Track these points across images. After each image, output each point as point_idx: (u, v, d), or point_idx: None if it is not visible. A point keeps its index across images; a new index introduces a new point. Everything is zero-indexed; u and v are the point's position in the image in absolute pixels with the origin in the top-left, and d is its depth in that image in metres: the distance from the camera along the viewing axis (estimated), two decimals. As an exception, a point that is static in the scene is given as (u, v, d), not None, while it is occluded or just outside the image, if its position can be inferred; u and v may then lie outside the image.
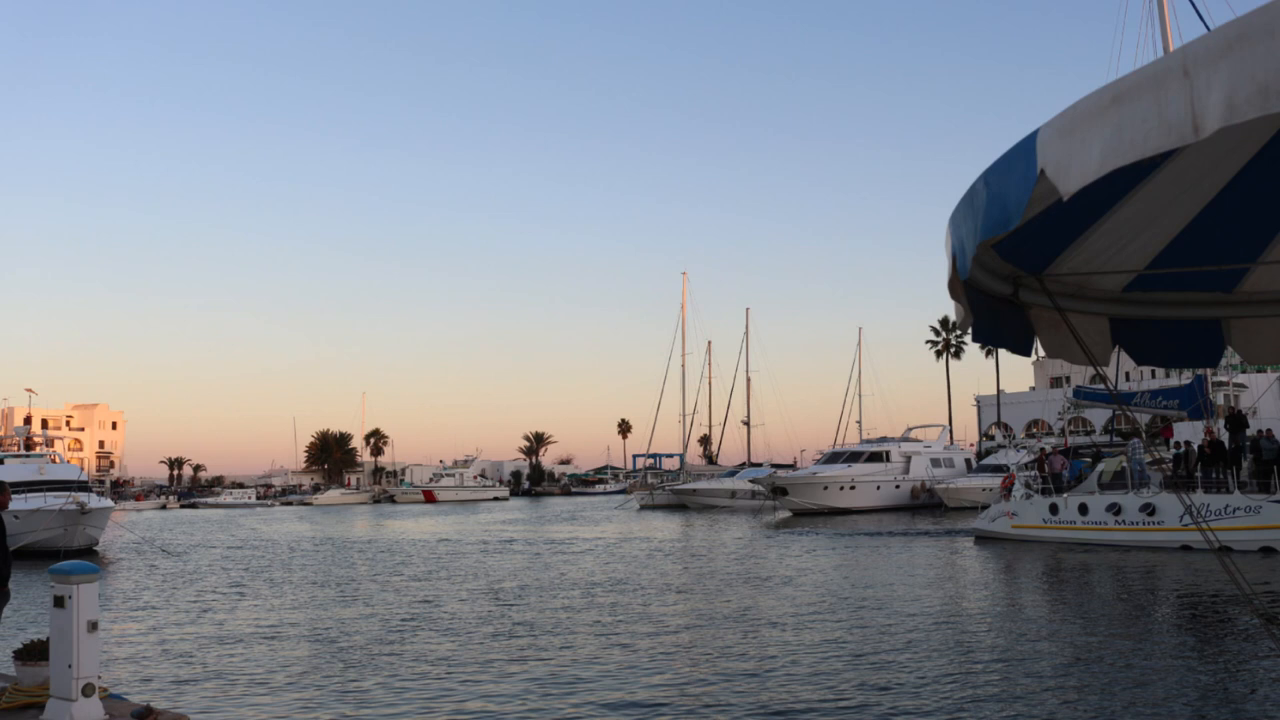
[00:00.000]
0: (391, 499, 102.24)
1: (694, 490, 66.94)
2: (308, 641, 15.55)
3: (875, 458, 54.82)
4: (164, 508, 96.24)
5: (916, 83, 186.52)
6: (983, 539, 32.13)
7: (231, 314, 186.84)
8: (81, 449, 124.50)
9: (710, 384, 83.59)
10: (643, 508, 67.18)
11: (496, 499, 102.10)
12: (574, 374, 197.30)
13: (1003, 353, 61.68)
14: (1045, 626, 16.08)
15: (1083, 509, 29.32)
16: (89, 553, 32.89)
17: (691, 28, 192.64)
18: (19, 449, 45.72)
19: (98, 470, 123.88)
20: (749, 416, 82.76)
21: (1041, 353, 4.16)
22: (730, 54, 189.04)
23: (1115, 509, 28.38)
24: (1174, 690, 11.19)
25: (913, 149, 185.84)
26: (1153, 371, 58.55)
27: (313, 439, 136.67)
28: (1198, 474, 28.02)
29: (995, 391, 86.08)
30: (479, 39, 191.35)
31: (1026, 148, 2.34)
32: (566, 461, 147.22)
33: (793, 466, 69.08)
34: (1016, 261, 3.57)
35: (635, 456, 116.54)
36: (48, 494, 34.27)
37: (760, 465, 70.77)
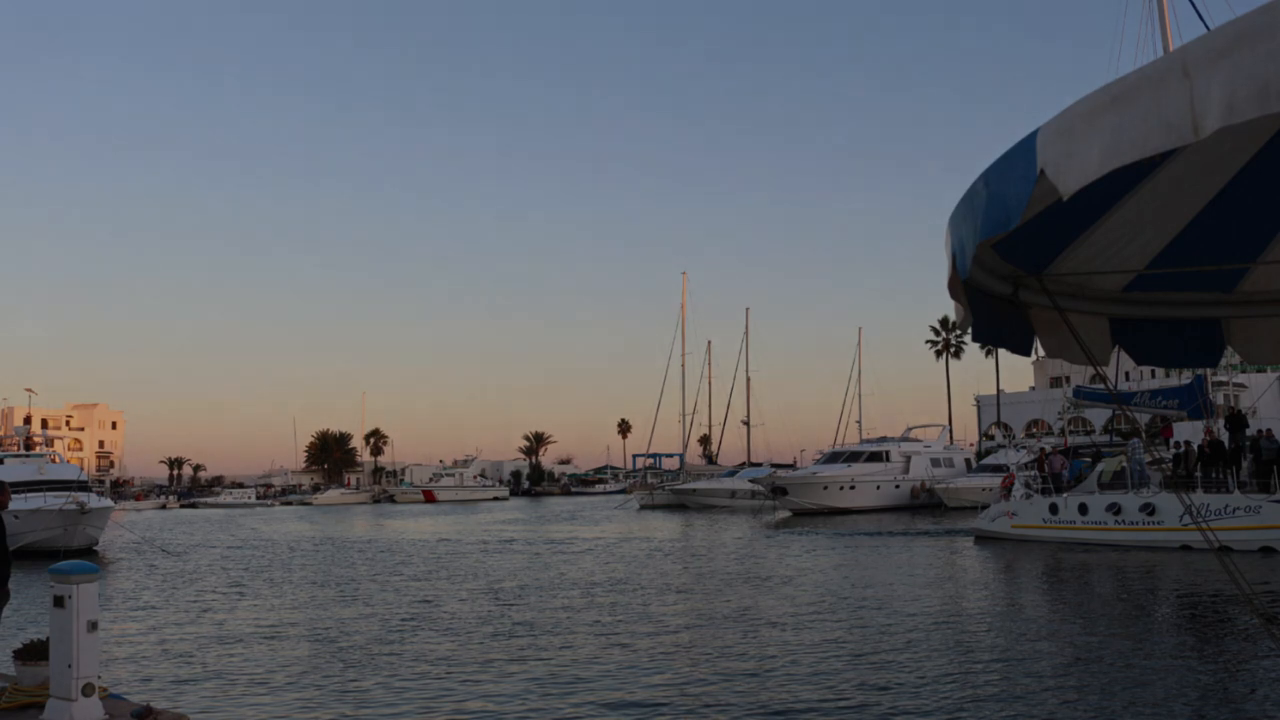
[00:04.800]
0: (391, 499, 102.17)
1: (694, 490, 66.90)
2: (308, 641, 15.55)
3: (875, 458, 54.78)
4: (164, 507, 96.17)
5: (916, 82, 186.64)
6: (983, 539, 32.13)
7: (231, 314, 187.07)
8: (81, 449, 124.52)
9: (710, 384, 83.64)
10: (643, 508, 67.14)
11: (496, 499, 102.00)
12: (574, 374, 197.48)
13: (1003, 353, 61.69)
14: (1045, 626, 16.08)
15: (1082, 509, 29.32)
16: (89, 553, 32.85)
17: (692, 27, 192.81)
18: (19, 449, 45.68)
19: (98, 470, 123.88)
20: (749, 416, 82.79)
21: (1041, 353, 4.16)
22: (730, 53, 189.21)
23: (1115, 509, 28.38)
24: (1174, 690, 11.19)
25: (913, 149, 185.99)
26: (1153, 371, 58.54)
27: (313, 439, 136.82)
28: (1197, 474, 28.02)
29: (995, 391, 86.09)
30: (480, 40, 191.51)
31: (1026, 148, 2.34)
32: (566, 461, 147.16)
33: (793, 466, 69.01)
34: (1016, 261, 3.57)
35: (635, 456, 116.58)
36: (48, 494, 34.23)
37: (760, 465, 70.68)
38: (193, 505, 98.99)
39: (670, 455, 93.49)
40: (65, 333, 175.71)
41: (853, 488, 52.45)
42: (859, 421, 77.19)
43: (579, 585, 22.52)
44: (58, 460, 43.89)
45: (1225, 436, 28.45)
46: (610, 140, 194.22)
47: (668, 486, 72.84)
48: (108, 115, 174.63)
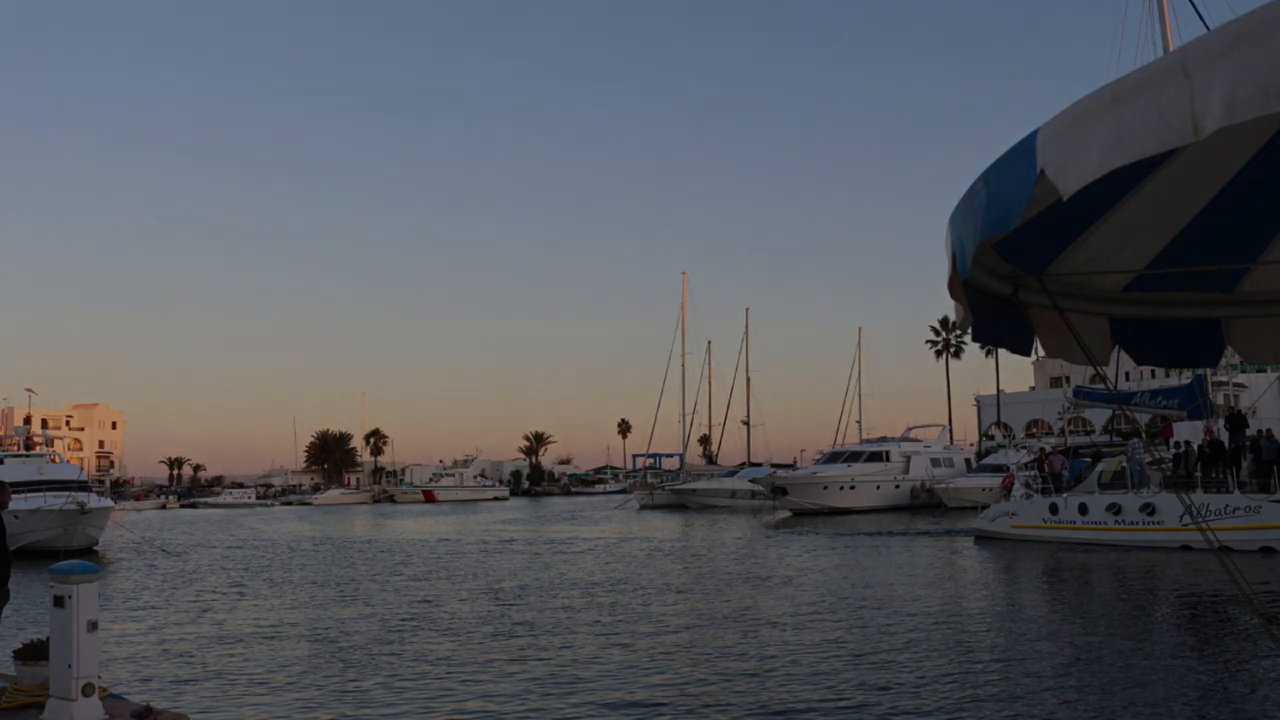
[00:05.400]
0: (391, 499, 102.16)
1: (694, 490, 66.87)
2: (308, 641, 15.55)
3: (875, 458, 54.78)
4: (164, 507, 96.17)
5: (916, 82, 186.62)
6: (983, 539, 32.12)
7: (231, 314, 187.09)
8: (81, 449, 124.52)
9: (710, 384, 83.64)
10: (643, 508, 67.13)
11: (496, 499, 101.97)
12: (574, 374, 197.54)
13: (1003, 353, 61.66)
14: (1045, 626, 16.08)
15: (1083, 509, 29.31)
16: (89, 553, 32.84)
17: (691, 27, 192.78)
18: (19, 449, 45.67)
19: (98, 470, 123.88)
20: (749, 416, 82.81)
21: (1041, 353, 4.16)
22: (730, 53, 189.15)
23: (1115, 509, 28.38)
24: (1174, 690, 11.19)
25: (913, 149, 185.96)
26: (1153, 371, 58.53)
27: (313, 439, 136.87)
28: (1197, 474, 28.02)
29: (995, 391, 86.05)
30: (480, 39, 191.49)
31: (1026, 148, 2.34)
32: (566, 461, 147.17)
33: (793, 466, 69.00)
34: (1016, 261, 3.57)
35: (635, 456, 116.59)
36: (48, 494, 34.21)
37: (760, 465, 70.66)
38: (193, 505, 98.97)
39: (670, 455, 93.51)
40: (65, 333, 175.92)
41: (853, 488, 52.43)
42: (859, 421, 77.25)
43: (579, 585, 22.52)
44: (58, 460, 43.88)
45: (1225, 436, 28.44)
46: (610, 140, 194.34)
47: (668, 486, 72.81)
48: (108, 114, 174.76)
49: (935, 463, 56.44)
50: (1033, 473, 33.70)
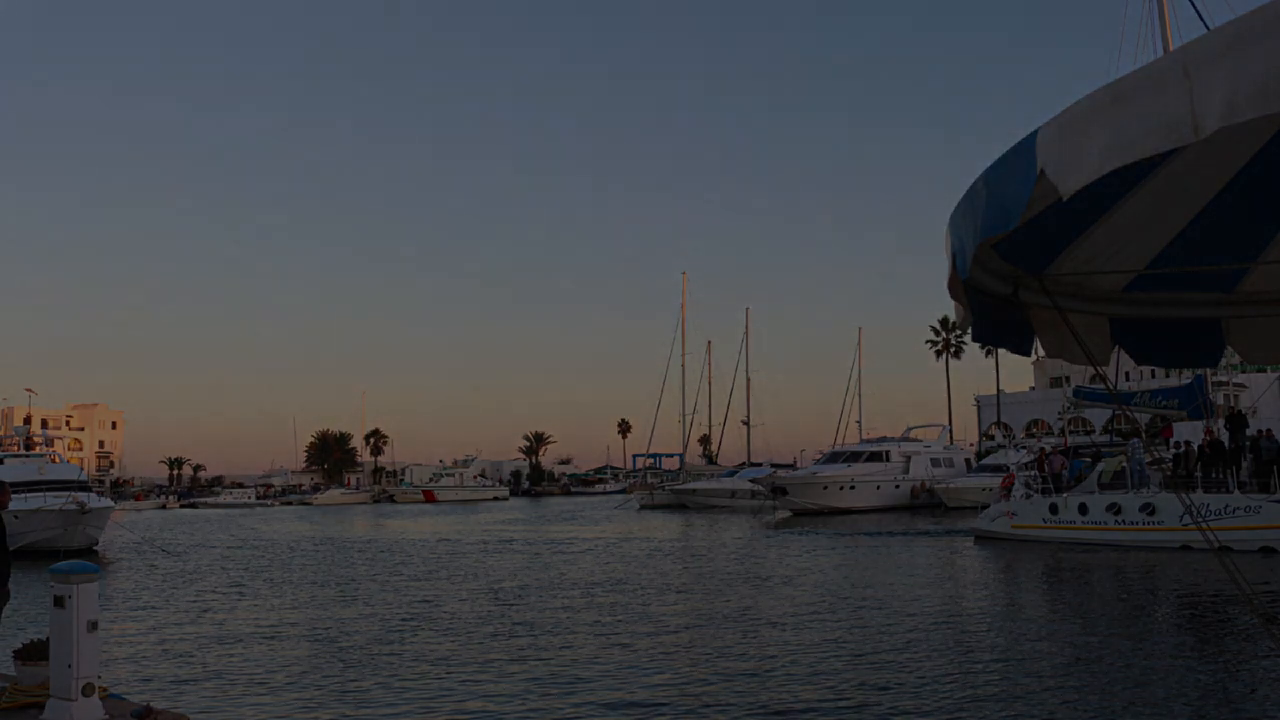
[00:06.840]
0: (391, 499, 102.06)
1: (694, 490, 66.84)
2: (308, 641, 15.55)
3: (875, 458, 54.77)
4: (164, 507, 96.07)
5: (916, 82, 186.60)
6: (982, 539, 32.12)
7: (231, 314, 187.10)
8: (81, 449, 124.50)
9: (710, 384, 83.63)
10: (643, 508, 67.09)
11: (496, 499, 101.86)
12: (574, 374, 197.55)
13: (1003, 353, 61.68)
14: (1045, 626, 16.08)
15: (1082, 509, 29.31)
16: (89, 553, 32.82)
17: (691, 26, 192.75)
18: (19, 449, 45.64)
19: (98, 470, 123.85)
20: (749, 416, 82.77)
21: (1041, 353, 4.16)
22: (729, 53, 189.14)
23: (1115, 509, 28.37)
24: (1174, 690, 11.19)
25: (912, 149, 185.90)
26: (1153, 371, 58.48)
27: (313, 439, 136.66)
28: (1197, 474, 28.01)
29: (995, 391, 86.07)
30: (479, 37, 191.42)
31: (1026, 148, 2.34)
32: (566, 461, 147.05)
33: (793, 466, 68.96)
34: (1016, 261, 3.57)
35: (635, 456, 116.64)
36: (48, 494, 34.20)
37: (760, 465, 70.64)
38: (192, 505, 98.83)
39: (670, 455, 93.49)
40: (65, 333, 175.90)
41: (853, 488, 52.42)
42: (859, 421, 77.19)
43: (579, 585, 22.51)
44: (58, 460, 43.86)
45: (1225, 436, 28.44)
46: (610, 140, 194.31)
47: (668, 486, 72.78)
48: (107, 114, 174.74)
49: (935, 463, 56.44)
50: (1033, 473, 33.69)
